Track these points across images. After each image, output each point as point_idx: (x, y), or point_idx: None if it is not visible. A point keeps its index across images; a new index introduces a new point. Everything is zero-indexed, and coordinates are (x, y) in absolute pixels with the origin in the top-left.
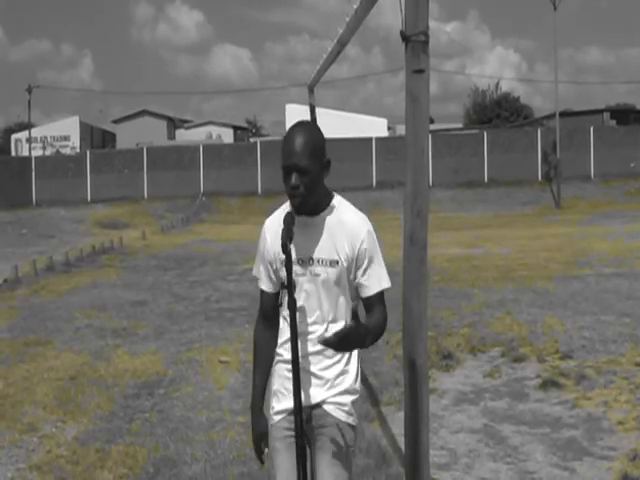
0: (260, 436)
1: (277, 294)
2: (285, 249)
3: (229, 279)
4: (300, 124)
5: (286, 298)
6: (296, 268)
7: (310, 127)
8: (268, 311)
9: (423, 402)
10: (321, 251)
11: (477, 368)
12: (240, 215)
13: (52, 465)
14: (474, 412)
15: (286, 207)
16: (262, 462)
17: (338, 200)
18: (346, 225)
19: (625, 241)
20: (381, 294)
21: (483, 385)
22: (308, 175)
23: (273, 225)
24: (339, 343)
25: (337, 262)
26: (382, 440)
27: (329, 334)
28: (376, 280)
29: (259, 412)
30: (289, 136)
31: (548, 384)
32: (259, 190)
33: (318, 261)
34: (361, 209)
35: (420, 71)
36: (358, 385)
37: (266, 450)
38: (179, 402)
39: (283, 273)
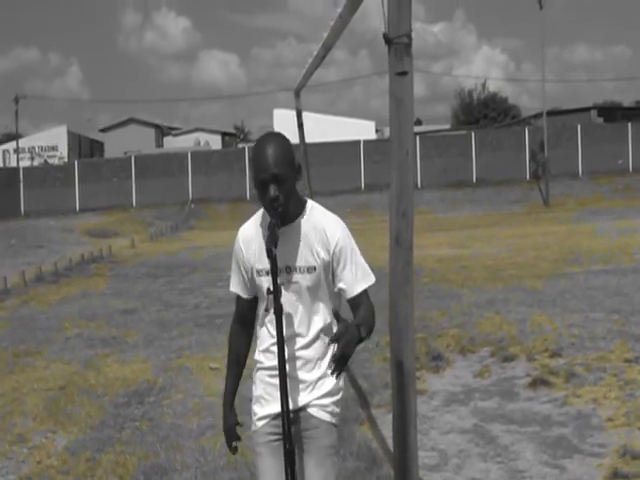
0: (229, 429)
1: (252, 300)
2: (270, 254)
3: (219, 285)
4: (266, 136)
5: (268, 304)
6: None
7: (276, 136)
8: (244, 316)
9: (411, 403)
10: (299, 259)
11: (467, 368)
12: (229, 221)
13: (42, 476)
14: (464, 412)
15: (260, 215)
16: (233, 451)
17: (310, 205)
18: (320, 229)
19: (613, 238)
20: (363, 293)
21: (473, 385)
22: (286, 184)
23: (246, 234)
24: (343, 351)
25: (314, 268)
26: (372, 443)
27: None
28: (354, 282)
29: (228, 409)
30: (259, 150)
31: (537, 382)
32: (247, 196)
33: (296, 269)
34: (350, 212)
35: (403, 73)
36: (342, 383)
37: (233, 444)
38: (169, 410)
39: (260, 281)
